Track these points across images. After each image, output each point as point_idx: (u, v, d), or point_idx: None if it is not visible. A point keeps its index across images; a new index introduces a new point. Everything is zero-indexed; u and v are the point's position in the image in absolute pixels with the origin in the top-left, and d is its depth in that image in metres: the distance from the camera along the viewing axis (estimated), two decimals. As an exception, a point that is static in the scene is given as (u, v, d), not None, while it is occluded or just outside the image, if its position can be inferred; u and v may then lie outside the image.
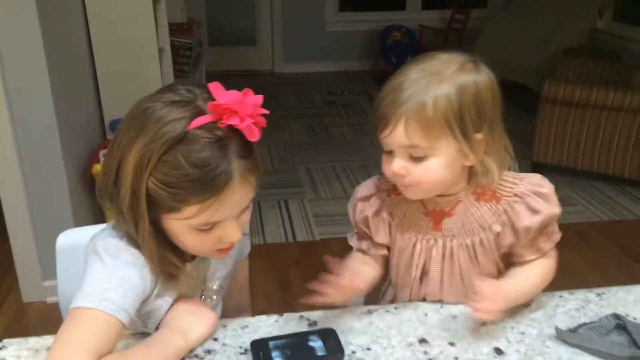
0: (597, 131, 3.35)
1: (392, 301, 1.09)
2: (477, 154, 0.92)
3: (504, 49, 4.89)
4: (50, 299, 2.33)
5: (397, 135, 0.89)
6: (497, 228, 0.97)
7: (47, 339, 0.92)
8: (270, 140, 4.23)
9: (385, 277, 1.10)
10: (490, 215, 0.97)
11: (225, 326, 0.96)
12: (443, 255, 1.01)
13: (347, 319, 0.97)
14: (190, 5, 4.49)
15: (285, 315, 0.99)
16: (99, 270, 0.85)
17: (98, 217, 2.63)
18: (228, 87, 0.84)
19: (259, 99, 0.83)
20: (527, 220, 0.95)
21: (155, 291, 0.91)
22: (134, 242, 0.87)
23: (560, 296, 1.03)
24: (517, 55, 4.77)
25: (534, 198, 0.96)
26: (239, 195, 0.83)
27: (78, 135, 2.53)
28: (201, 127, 0.80)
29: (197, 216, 0.82)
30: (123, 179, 0.81)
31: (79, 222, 2.39)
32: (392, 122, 0.88)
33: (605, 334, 0.90)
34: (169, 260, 0.88)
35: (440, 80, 0.88)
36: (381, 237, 1.04)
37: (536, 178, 0.99)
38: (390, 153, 0.93)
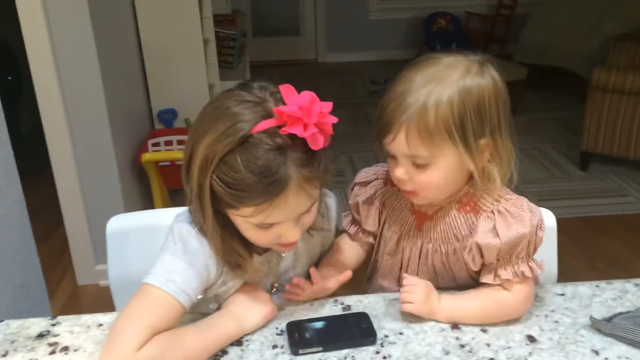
0: (649, 120, 3.24)
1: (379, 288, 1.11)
2: (477, 161, 0.89)
3: (553, 35, 4.76)
4: (102, 282, 2.44)
5: (398, 143, 0.88)
6: (468, 246, 0.95)
7: (98, 317, 0.99)
8: (313, 130, 4.25)
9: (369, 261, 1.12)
10: (464, 228, 0.96)
11: (263, 308, 0.99)
12: (419, 256, 1.01)
13: (380, 303, 1.00)
14: (235, -4, 4.55)
15: (321, 299, 1.02)
16: (170, 252, 0.90)
17: (147, 203, 2.73)
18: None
19: (328, 106, 0.83)
20: (486, 240, 0.91)
21: (221, 279, 0.95)
22: (203, 230, 0.91)
23: (597, 286, 1.03)
24: (566, 41, 4.64)
25: (506, 219, 0.91)
26: (293, 203, 0.84)
27: (128, 125, 2.62)
28: (264, 132, 0.81)
29: (254, 216, 0.85)
30: (192, 171, 0.84)
31: (129, 207, 2.48)
32: (394, 130, 0.87)
33: (641, 324, 0.90)
34: (234, 250, 0.91)
35: (443, 87, 0.86)
36: (370, 224, 1.05)
37: (523, 200, 0.94)
38: (394, 158, 0.93)
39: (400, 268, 1.05)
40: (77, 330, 0.96)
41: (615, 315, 0.92)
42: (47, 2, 2.08)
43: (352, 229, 1.09)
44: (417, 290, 0.93)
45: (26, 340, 0.94)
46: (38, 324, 0.97)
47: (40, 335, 0.95)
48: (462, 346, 0.90)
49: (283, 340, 0.92)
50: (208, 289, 0.95)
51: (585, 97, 3.46)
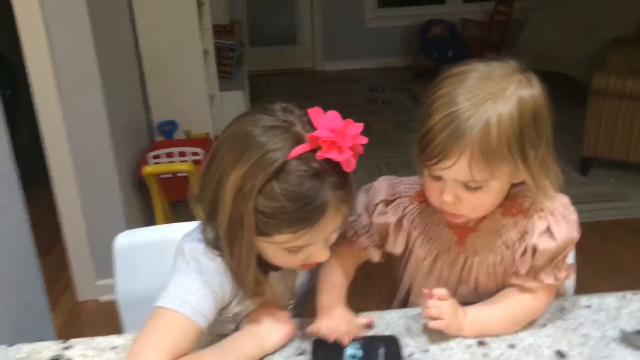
0: (648, 124, 3.23)
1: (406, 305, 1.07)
2: (532, 173, 0.85)
3: (550, 40, 4.77)
4: (103, 298, 2.39)
5: (458, 170, 0.81)
6: (521, 249, 0.91)
7: (112, 339, 0.95)
8: (312, 139, 4.23)
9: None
10: (515, 232, 0.92)
11: (282, 326, 0.96)
12: (462, 270, 0.97)
13: (404, 319, 0.97)
14: (232, 6, 4.54)
15: (342, 315, 0.99)
16: (183, 273, 0.87)
17: (147, 217, 2.70)
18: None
19: (359, 127, 0.81)
20: (543, 243, 0.88)
21: (237, 298, 0.92)
22: (217, 249, 0.88)
23: (624, 297, 1.01)
24: (563, 46, 4.65)
25: (559, 220, 0.89)
26: (331, 225, 0.84)
27: (128, 137, 2.59)
28: (299, 158, 0.79)
29: (288, 242, 0.83)
30: (222, 202, 0.81)
31: (130, 221, 2.45)
32: (453, 156, 0.80)
33: (673, 337, 0.87)
34: (253, 277, 0.88)
35: (502, 101, 0.80)
36: (397, 247, 0.99)
37: (566, 199, 0.92)
38: (439, 179, 0.86)
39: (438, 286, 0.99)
40: (90, 353, 0.93)
41: (646, 328, 0.90)
42: (47, 14, 2.06)
43: (368, 242, 1.01)
44: (445, 305, 0.90)
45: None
46: (49, 347, 0.94)
47: (53, 360, 0.92)
48: (491, 363, 0.87)
49: (305, 360, 0.89)
50: (224, 308, 0.92)
51: (583, 101, 3.46)
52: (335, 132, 0.79)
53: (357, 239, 1.00)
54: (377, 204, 0.98)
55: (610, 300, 1.00)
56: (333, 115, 0.81)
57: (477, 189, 0.84)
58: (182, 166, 2.48)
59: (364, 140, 0.82)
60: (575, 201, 0.94)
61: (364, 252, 1.01)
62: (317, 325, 0.90)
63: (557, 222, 0.89)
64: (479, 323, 0.92)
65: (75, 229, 2.36)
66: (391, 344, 0.90)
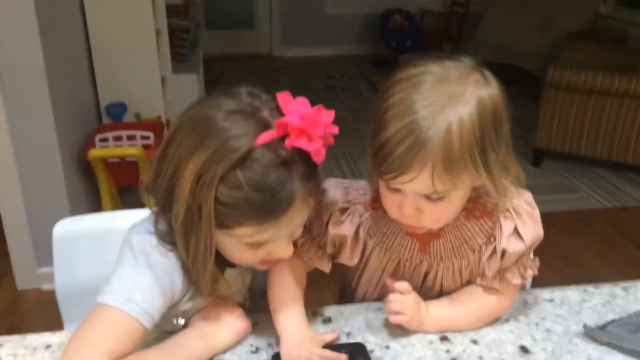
0: (600, 117, 3.31)
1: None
2: (493, 178, 0.78)
3: (506, 33, 4.83)
4: (45, 286, 2.27)
5: (419, 183, 0.75)
6: (488, 252, 0.87)
7: (46, 336, 0.87)
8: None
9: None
10: (481, 236, 0.87)
11: (234, 322, 0.90)
12: (425, 277, 0.91)
13: (363, 315, 0.93)
14: (187, -14, 4.39)
15: (297, 310, 0.93)
16: (129, 267, 0.79)
17: (94, 202, 2.58)
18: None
19: (331, 115, 0.76)
20: (512, 245, 0.84)
21: (187, 295, 0.85)
22: (170, 242, 0.81)
23: (585, 290, 0.99)
24: (519, 39, 4.71)
25: (525, 220, 0.85)
26: (297, 218, 0.78)
27: (73, 120, 2.46)
28: (265, 145, 0.73)
29: (252, 236, 0.77)
30: (179, 191, 0.74)
31: (75, 207, 2.33)
32: (414, 169, 0.73)
33: (636, 331, 0.86)
34: (210, 274, 0.81)
35: (462, 105, 0.73)
36: (353, 258, 0.91)
37: (529, 195, 0.88)
38: (397, 191, 0.79)
39: None
40: (21, 352, 0.84)
41: (609, 323, 0.88)
42: (-16, -16, 1.91)
43: (317, 253, 0.91)
44: (407, 299, 0.85)
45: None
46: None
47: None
48: (454, 360, 0.83)
49: (259, 359, 0.83)
50: (173, 306, 0.85)
51: (537, 95, 3.51)
52: (306, 120, 0.73)
53: (308, 248, 0.91)
54: (331, 213, 0.89)
55: (571, 294, 0.98)
56: (303, 102, 0.75)
57: (439, 199, 0.78)
58: (130, 150, 2.37)
59: (335, 129, 0.76)
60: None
61: (315, 262, 0.92)
62: (286, 354, 0.81)
63: (523, 223, 0.85)
64: (442, 319, 0.88)
65: (14, 214, 2.24)
66: (359, 352, 0.84)
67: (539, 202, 0.89)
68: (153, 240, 0.81)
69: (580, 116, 3.36)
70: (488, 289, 0.89)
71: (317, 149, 0.74)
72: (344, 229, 0.89)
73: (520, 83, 4.75)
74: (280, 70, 5.51)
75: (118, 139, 2.52)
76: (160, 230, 0.81)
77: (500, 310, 0.91)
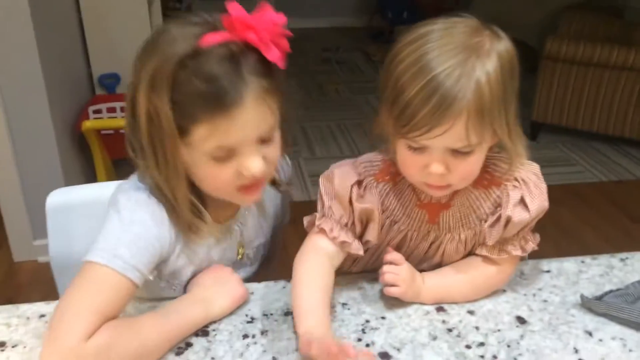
0: (598, 90, 3.28)
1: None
2: (511, 134, 0.77)
3: (503, 4, 4.76)
4: (41, 258, 2.28)
5: (452, 135, 0.72)
6: (491, 220, 0.86)
7: (39, 306, 0.87)
8: (264, 98, 4.13)
9: None
10: (489, 205, 0.86)
11: (229, 293, 0.90)
12: (429, 247, 0.90)
13: (359, 285, 0.92)
14: (180, -46, 4.29)
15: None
16: (115, 223, 0.79)
17: (88, 174, 2.56)
18: None
19: (280, 18, 0.75)
20: (517, 214, 0.83)
21: (177, 250, 0.85)
22: (158, 195, 0.81)
23: (583, 261, 0.99)
24: (516, 11, 4.65)
25: (532, 190, 0.84)
26: (253, 116, 0.75)
27: (66, 91, 2.42)
28: (215, 44, 0.73)
29: (209, 139, 0.75)
30: (138, 104, 0.75)
31: (69, 179, 2.32)
32: (446, 122, 0.71)
33: (633, 302, 0.86)
34: (192, 204, 0.82)
35: (485, 57, 0.72)
36: (373, 234, 0.87)
37: (536, 167, 0.87)
38: (422, 151, 0.76)
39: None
40: (14, 322, 0.84)
41: (606, 293, 0.88)
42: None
43: (347, 236, 0.86)
44: (401, 270, 0.85)
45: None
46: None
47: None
48: (450, 330, 0.83)
49: (254, 329, 0.83)
50: (162, 264, 0.84)
51: (535, 67, 3.48)
52: (251, 15, 0.74)
53: (339, 233, 0.85)
54: (352, 186, 0.85)
55: (569, 265, 0.98)
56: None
57: (467, 154, 0.76)
58: (124, 122, 2.34)
59: (288, 33, 0.75)
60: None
61: (350, 247, 0.87)
62: (306, 343, 0.73)
63: (530, 193, 0.84)
64: (439, 290, 0.88)
65: (9, 187, 2.22)
66: None
67: (535, 175, 0.88)
68: (139, 195, 0.81)
69: (578, 89, 3.34)
70: (487, 260, 0.88)
71: (266, 44, 0.73)
72: (369, 201, 0.85)
73: (518, 56, 4.71)
74: (276, 42, 5.44)
75: (112, 110, 2.49)
76: (148, 181, 0.81)
77: (498, 282, 0.90)
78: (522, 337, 0.82)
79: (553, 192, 0.90)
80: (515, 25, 4.78)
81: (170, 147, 0.76)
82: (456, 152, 0.75)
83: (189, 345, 0.80)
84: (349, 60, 4.98)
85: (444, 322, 0.85)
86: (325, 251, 0.86)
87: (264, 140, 0.79)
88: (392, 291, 0.85)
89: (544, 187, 0.86)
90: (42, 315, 0.85)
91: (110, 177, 2.46)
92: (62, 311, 0.72)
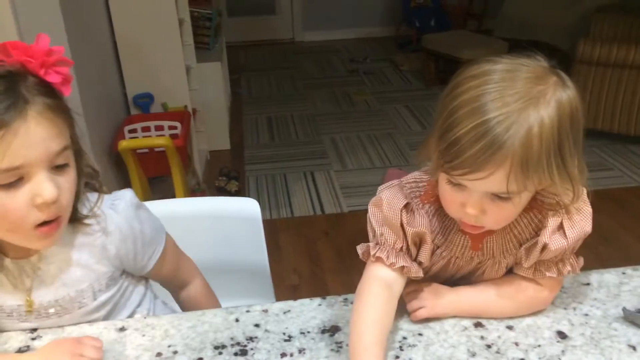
0: (634, 92, 3.21)
1: None
2: (568, 181, 0.74)
3: (532, 9, 4.70)
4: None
5: (492, 181, 0.71)
6: (529, 243, 0.84)
7: (84, 327, 0.89)
8: (293, 111, 4.16)
9: None
10: (529, 231, 0.84)
11: (266, 311, 0.91)
12: (469, 272, 0.89)
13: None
14: (208, -26, 4.38)
15: (329, 298, 0.94)
16: None
17: (125, 194, 2.61)
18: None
19: (51, 48, 0.79)
20: (554, 242, 0.80)
21: None
22: None
23: (624, 273, 0.96)
24: (545, 15, 4.59)
25: (572, 217, 0.81)
26: (39, 133, 0.74)
27: (102, 112, 2.48)
28: None
29: None
30: None
31: (107, 199, 2.36)
32: (489, 168, 0.69)
33: (678, 315, 0.84)
34: None
35: (543, 106, 0.69)
36: (425, 255, 0.85)
37: (582, 191, 0.81)
38: (461, 188, 0.75)
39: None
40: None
41: (650, 306, 0.86)
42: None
43: (404, 261, 0.84)
44: (421, 291, 0.85)
45: (4, 357, 0.84)
46: (16, 338, 0.87)
47: (20, 351, 0.85)
48: (489, 346, 0.82)
49: (292, 348, 0.83)
50: None
51: (567, 71, 3.40)
52: (21, 45, 0.77)
53: (395, 261, 0.83)
54: (401, 211, 0.83)
55: (609, 277, 0.96)
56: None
57: (505, 200, 0.74)
58: (158, 141, 2.39)
59: (68, 60, 0.81)
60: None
61: (406, 273, 0.84)
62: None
63: (571, 219, 0.81)
64: (477, 304, 0.87)
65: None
66: None
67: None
68: None
69: (613, 92, 3.27)
70: (527, 279, 0.86)
71: (42, 68, 0.77)
72: (420, 223, 0.83)
73: (549, 60, 4.64)
74: (303, 55, 5.48)
75: (146, 129, 2.55)
76: None
77: (539, 302, 0.88)
78: (563, 352, 0.81)
79: (592, 198, 0.86)
80: (545, 30, 4.74)
81: None
82: (494, 196, 0.74)
83: (228, 364, 0.81)
84: (377, 70, 4.98)
85: (482, 337, 0.84)
86: (385, 281, 0.84)
87: (56, 167, 0.77)
88: (419, 314, 0.85)
89: (588, 210, 0.82)
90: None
91: (146, 195, 2.51)
92: None
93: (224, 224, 1.23)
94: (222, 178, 3.10)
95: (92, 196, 0.89)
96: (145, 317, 0.92)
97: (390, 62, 5.13)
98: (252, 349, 0.84)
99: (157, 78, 2.78)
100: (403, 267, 0.83)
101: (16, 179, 0.74)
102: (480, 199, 0.74)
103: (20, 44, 0.77)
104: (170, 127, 2.58)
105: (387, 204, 0.84)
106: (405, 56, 5.10)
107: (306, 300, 0.93)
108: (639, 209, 2.80)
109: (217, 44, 3.62)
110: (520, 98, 0.69)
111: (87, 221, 0.87)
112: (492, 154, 0.68)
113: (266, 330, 0.87)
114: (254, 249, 1.25)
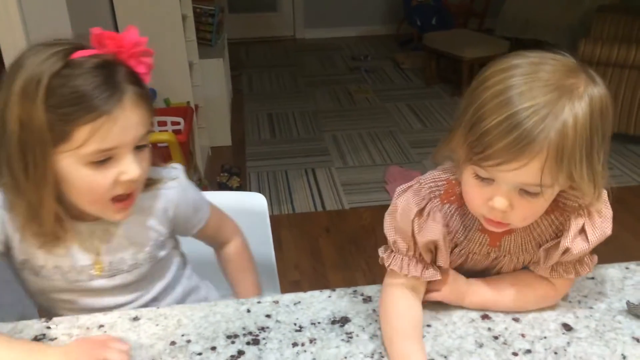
0: (634, 92, 3.23)
1: None
2: (595, 179, 0.73)
3: (534, 8, 4.72)
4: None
5: (525, 173, 0.70)
6: (549, 244, 0.84)
7: (98, 317, 0.90)
8: (294, 108, 4.17)
9: None
10: (550, 233, 0.84)
11: (277, 302, 0.93)
12: (488, 266, 0.90)
13: (404, 293, 0.94)
14: (210, -30, 4.39)
15: (338, 290, 0.95)
16: None
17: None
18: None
19: (144, 40, 0.84)
20: (576, 245, 0.80)
21: (17, 239, 0.89)
22: (17, 203, 0.84)
23: (627, 268, 0.98)
24: (547, 14, 4.61)
25: (594, 220, 0.80)
26: (132, 119, 0.82)
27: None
28: (86, 56, 0.80)
29: (89, 141, 0.78)
30: (9, 115, 0.78)
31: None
32: (523, 159, 0.69)
33: (681, 308, 0.85)
34: (52, 209, 0.84)
35: (577, 99, 0.69)
36: (443, 260, 0.85)
37: (604, 194, 0.81)
38: (488, 182, 0.74)
39: None
40: (75, 332, 0.88)
41: (653, 300, 0.88)
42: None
43: (418, 269, 0.85)
44: (441, 274, 0.86)
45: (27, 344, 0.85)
46: (32, 326, 0.89)
47: (36, 339, 0.86)
48: (496, 338, 0.84)
49: (303, 338, 0.85)
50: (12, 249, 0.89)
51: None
52: (117, 36, 0.82)
53: (408, 272, 0.85)
54: (413, 220, 0.83)
55: (613, 271, 0.98)
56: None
57: (536, 195, 0.73)
58: (161, 136, 2.40)
59: (149, 50, 0.84)
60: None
61: (426, 274, 0.85)
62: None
63: (593, 223, 0.80)
64: (486, 297, 0.88)
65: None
66: None
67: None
68: None
69: (613, 91, 3.28)
70: (540, 277, 0.87)
71: (134, 59, 0.83)
72: (432, 230, 0.82)
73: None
74: (304, 52, 5.49)
75: (149, 125, 2.55)
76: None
77: (548, 299, 0.89)
78: (569, 344, 0.83)
79: (611, 199, 0.87)
80: (547, 29, 4.75)
81: (42, 157, 0.79)
82: (523, 192, 0.73)
83: (241, 353, 0.83)
84: (378, 69, 5.00)
85: (489, 329, 0.86)
86: (406, 285, 0.86)
87: (139, 147, 0.84)
88: (433, 295, 0.87)
89: (609, 213, 0.82)
90: (101, 326, 0.89)
91: (149, 190, 2.52)
92: None
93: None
94: (224, 174, 3.12)
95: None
96: (157, 308, 0.93)
97: (391, 60, 5.15)
98: (264, 338, 0.85)
99: (160, 74, 2.77)
100: (415, 276, 0.85)
101: (106, 158, 0.81)
102: (509, 192, 0.73)
103: (113, 34, 0.82)
104: (173, 123, 2.60)
105: (400, 213, 0.84)
106: (406, 54, 5.12)
107: (316, 292, 0.95)
108: (638, 207, 2.82)
109: (219, 40, 3.63)
110: (552, 90, 0.68)
111: (152, 187, 0.95)
112: (526, 145, 0.68)
113: (277, 321, 0.89)
114: (261, 243, 1.27)
